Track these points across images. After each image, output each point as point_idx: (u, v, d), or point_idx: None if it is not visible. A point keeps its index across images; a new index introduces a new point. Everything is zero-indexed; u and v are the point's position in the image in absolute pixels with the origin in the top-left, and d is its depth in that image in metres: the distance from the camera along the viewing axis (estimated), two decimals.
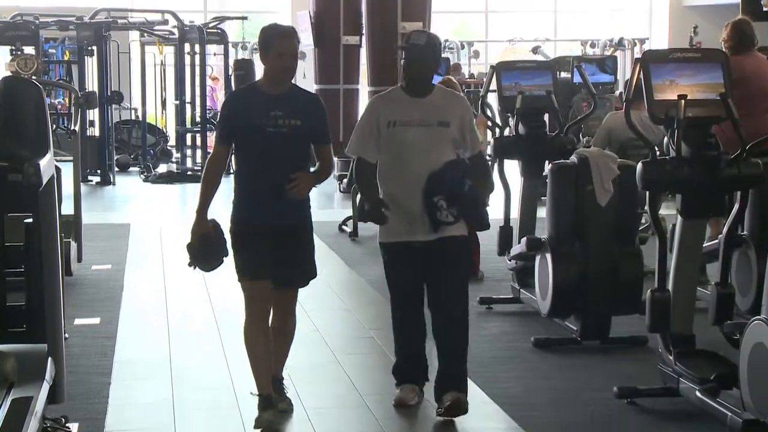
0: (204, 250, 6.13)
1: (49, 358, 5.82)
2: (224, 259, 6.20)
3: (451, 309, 6.29)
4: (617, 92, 17.20)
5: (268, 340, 6.19)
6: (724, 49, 8.58)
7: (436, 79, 12.69)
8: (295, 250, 6.21)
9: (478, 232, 8.20)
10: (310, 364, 7.32)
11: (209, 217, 6.19)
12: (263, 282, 6.11)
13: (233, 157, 6.32)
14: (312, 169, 6.25)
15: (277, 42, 6.04)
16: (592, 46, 24.36)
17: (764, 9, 13.43)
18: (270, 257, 6.08)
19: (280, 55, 6.03)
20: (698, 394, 6.14)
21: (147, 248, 12.56)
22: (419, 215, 6.13)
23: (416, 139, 6.16)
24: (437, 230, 6.11)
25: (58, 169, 6.91)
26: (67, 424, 5.95)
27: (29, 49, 19.12)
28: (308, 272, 6.32)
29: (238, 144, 6.18)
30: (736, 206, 6.67)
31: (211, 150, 20.23)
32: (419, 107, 6.20)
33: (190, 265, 6.20)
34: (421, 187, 6.08)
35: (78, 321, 8.54)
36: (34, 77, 14.31)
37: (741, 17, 9.76)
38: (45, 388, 5.59)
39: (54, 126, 17.15)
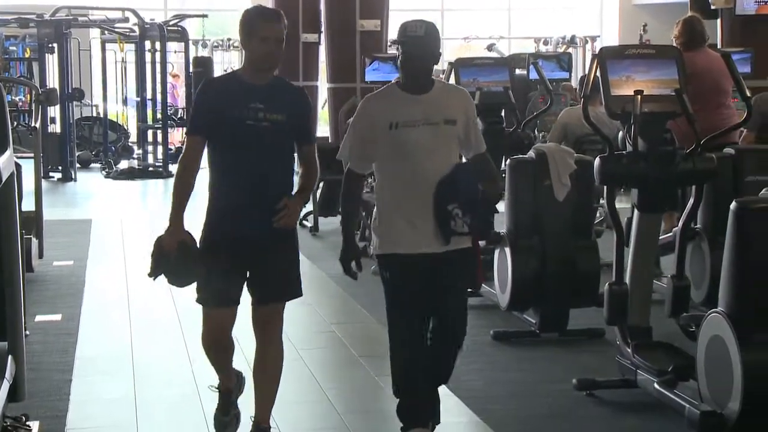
0: (180, 261, 5.31)
1: (9, 356, 5.74)
2: (200, 274, 5.38)
3: (453, 333, 5.55)
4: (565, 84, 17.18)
5: (231, 342, 5.63)
6: (676, 44, 8.62)
7: (387, 76, 12.87)
8: (277, 265, 5.44)
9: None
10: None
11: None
12: (228, 310, 5.46)
13: (206, 156, 5.46)
14: (295, 189, 5.49)
15: (260, 25, 5.31)
16: (545, 43, 24.47)
17: (712, 7, 13.53)
18: (246, 274, 5.43)
19: (264, 40, 5.29)
20: (656, 385, 6.15)
21: (109, 244, 12.45)
22: (428, 224, 5.34)
23: (422, 139, 5.35)
24: (448, 241, 5.35)
25: (18, 166, 6.85)
26: (27, 423, 5.88)
27: None
28: (291, 290, 5.54)
29: (212, 139, 5.37)
30: (691, 200, 6.67)
31: (172, 146, 20.79)
32: (421, 105, 5.39)
33: (151, 275, 5.37)
34: (430, 193, 5.31)
35: (39, 318, 8.44)
36: None
37: (692, 14, 9.80)
38: (5, 386, 5.52)
39: (15, 123, 17.06)
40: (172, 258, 5.29)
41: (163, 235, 5.36)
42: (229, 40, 25.50)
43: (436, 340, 5.51)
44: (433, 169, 5.33)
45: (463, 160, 5.69)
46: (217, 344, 5.57)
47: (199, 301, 5.46)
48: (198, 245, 5.38)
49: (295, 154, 5.61)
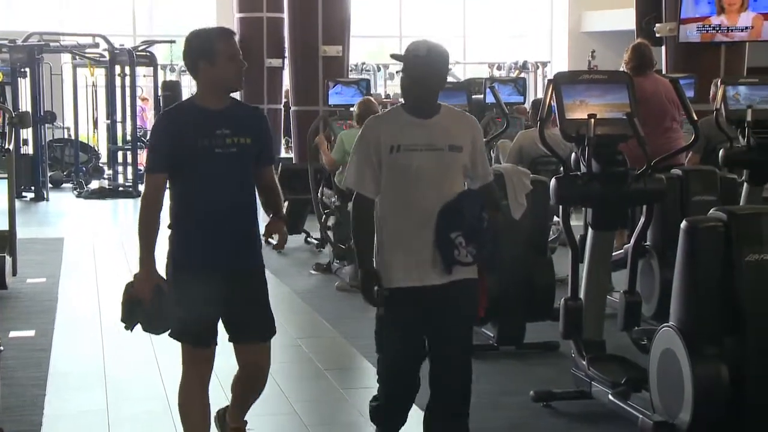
0: (156, 307, 4.88)
1: None
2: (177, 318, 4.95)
3: (460, 370, 5.01)
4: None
5: (207, 405, 5.19)
6: (627, 69, 8.66)
7: (350, 100, 12.86)
8: (252, 299, 5.04)
9: None
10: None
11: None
12: (207, 350, 5.05)
13: (169, 188, 4.99)
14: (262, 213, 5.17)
15: (223, 45, 4.84)
16: (499, 68, 24.59)
17: (657, 35, 13.64)
18: (223, 309, 4.95)
19: (232, 58, 4.84)
20: (610, 397, 6.16)
21: (80, 261, 12.33)
22: (430, 255, 4.85)
23: (424, 165, 4.85)
24: (450, 272, 4.86)
25: None
26: None
27: None
28: (268, 327, 5.14)
29: (177, 173, 4.88)
30: (642, 219, 6.69)
31: (141, 167, 20.71)
32: (426, 129, 4.91)
33: (127, 326, 5.01)
34: (431, 222, 4.83)
35: (13, 333, 8.36)
36: None
37: (641, 41, 9.82)
38: None
39: None
40: (147, 305, 4.87)
41: (134, 281, 4.94)
42: None
43: (437, 372, 4.99)
44: (436, 197, 4.85)
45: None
46: (194, 389, 5.09)
47: (174, 335, 5.01)
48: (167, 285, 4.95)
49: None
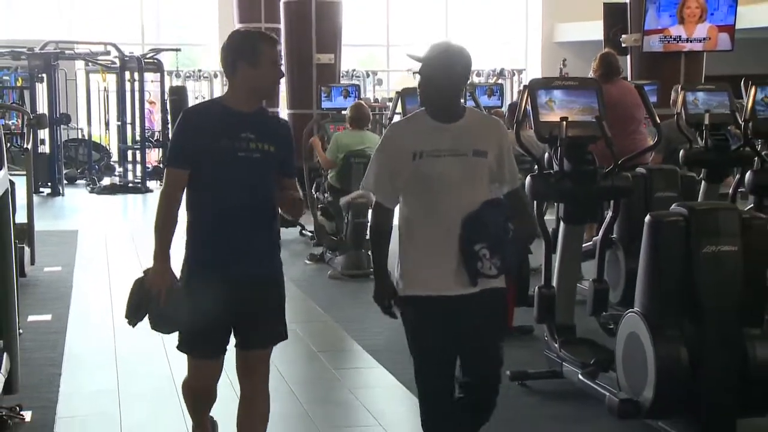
0: (170, 305, 4.38)
1: (4, 353, 5.71)
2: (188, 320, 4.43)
3: (488, 377, 4.58)
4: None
5: (214, 397, 4.77)
6: (595, 76, 8.66)
7: (344, 104, 12.85)
8: (266, 307, 4.50)
9: None
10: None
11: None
12: (214, 362, 4.56)
13: (187, 188, 4.44)
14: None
15: (267, 48, 4.34)
16: (478, 75, 24.53)
17: (623, 45, 13.66)
18: (232, 317, 4.45)
19: (274, 64, 4.38)
20: (580, 376, 6.18)
21: (93, 252, 12.28)
22: (454, 265, 4.33)
23: (448, 172, 4.31)
24: (475, 284, 4.34)
25: (12, 183, 6.77)
26: (21, 412, 5.83)
27: None
28: (278, 334, 4.59)
29: (197, 171, 4.35)
30: (610, 213, 6.71)
31: (149, 165, 20.67)
32: (449, 134, 4.37)
33: (132, 321, 4.50)
34: (455, 231, 4.31)
35: (31, 318, 8.32)
36: None
37: (608, 50, 9.81)
38: (0, 380, 5.47)
39: (9, 144, 16.83)
40: (158, 300, 4.37)
41: (147, 275, 4.45)
42: (199, 71, 25.53)
43: (468, 401, 4.57)
44: (460, 205, 4.31)
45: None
46: (203, 394, 4.72)
47: (182, 349, 4.55)
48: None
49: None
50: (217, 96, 4.61)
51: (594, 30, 16.53)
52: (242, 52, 4.33)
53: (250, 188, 4.37)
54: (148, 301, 4.39)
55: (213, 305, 4.32)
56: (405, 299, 4.45)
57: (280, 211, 4.59)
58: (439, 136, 4.36)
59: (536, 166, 6.47)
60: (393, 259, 4.51)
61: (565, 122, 6.28)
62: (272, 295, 4.52)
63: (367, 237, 10.55)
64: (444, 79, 4.38)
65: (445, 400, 4.48)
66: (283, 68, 15.78)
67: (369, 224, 4.59)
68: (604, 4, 14.94)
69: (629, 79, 12.61)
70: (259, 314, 4.48)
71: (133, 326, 4.51)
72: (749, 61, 18.51)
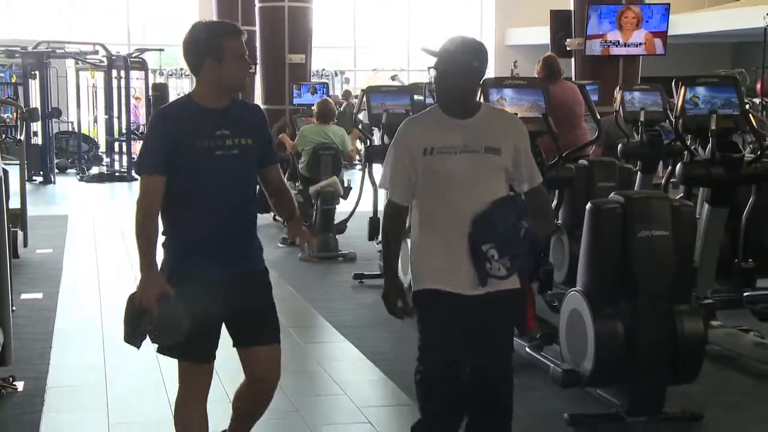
0: (166, 314, 3.76)
1: None
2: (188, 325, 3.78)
3: (497, 383, 4.04)
4: None
5: (206, 418, 4.06)
6: (540, 76, 8.70)
7: (312, 100, 12.87)
8: (255, 301, 3.97)
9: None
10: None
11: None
12: (206, 366, 3.98)
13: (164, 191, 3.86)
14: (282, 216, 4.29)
15: (230, 42, 3.81)
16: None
17: (568, 48, 13.71)
18: (223, 318, 3.93)
19: (241, 57, 3.84)
20: (527, 349, 6.18)
21: (82, 235, 12.20)
22: (464, 264, 3.88)
23: (458, 169, 3.87)
24: (485, 284, 3.89)
25: (6, 171, 6.72)
26: (14, 382, 5.80)
27: None
28: (274, 328, 4.06)
29: (173, 175, 3.81)
30: (555, 201, 6.73)
31: (134, 156, 20.61)
32: (462, 130, 3.92)
33: (134, 342, 3.88)
34: (466, 229, 3.86)
35: (24, 296, 8.25)
36: None
37: (549, 54, 9.85)
38: None
39: (3, 136, 16.71)
40: (155, 314, 3.76)
41: (136, 291, 3.85)
42: (181, 69, 25.52)
43: (476, 410, 4.04)
44: (471, 203, 3.86)
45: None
46: (192, 407, 4.01)
47: (175, 354, 3.94)
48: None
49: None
50: (187, 93, 4.02)
51: (542, 34, 16.56)
52: (206, 48, 3.82)
53: (231, 187, 3.87)
54: (145, 315, 3.77)
55: (199, 310, 3.76)
56: (419, 293, 3.98)
57: (274, 210, 4.25)
58: (451, 132, 3.91)
59: None
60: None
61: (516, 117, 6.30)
62: (261, 289, 4.01)
63: (336, 222, 10.70)
64: (459, 75, 3.95)
65: (447, 408, 3.95)
66: (258, 64, 15.29)
67: (381, 223, 4.07)
68: (551, 11, 14.97)
69: (573, 79, 12.65)
70: (252, 309, 3.96)
71: (138, 347, 3.89)
72: (680, 64, 18.63)
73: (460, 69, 3.95)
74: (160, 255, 3.89)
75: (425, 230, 3.98)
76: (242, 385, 4.13)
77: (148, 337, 3.86)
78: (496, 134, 3.94)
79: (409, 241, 4.12)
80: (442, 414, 3.95)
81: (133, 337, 3.84)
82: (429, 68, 4.26)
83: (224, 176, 3.84)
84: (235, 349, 4.06)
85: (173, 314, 3.74)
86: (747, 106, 8.35)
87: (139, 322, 3.79)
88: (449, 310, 3.91)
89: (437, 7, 29.94)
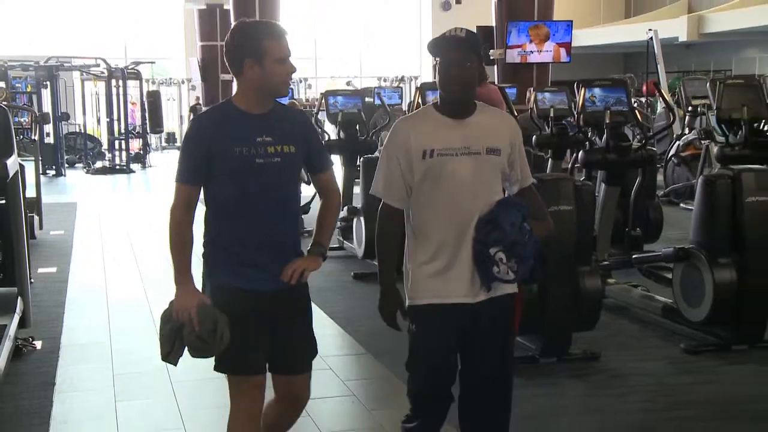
0: (206, 326, 3.00)
1: (19, 297, 5.66)
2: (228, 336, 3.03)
3: (501, 391, 3.30)
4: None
5: None
6: None
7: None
8: (297, 323, 3.20)
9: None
10: None
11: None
12: (259, 377, 3.12)
13: (204, 198, 3.14)
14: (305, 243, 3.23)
15: (272, 44, 3.02)
16: (384, 80, 24.54)
17: (491, 57, 13.75)
18: (266, 336, 3.11)
19: (283, 60, 3.04)
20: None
21: (89, 219, 12.03)
22: (467, 271, 3.13)
23: (461, 171, 3.12)
24: (489, 289, 3.15)
25: (22, 166, 6.67)
26: (34, 342, 5.77)
27: (1, 84, 18.37)
28: (313, 349, 3.29)
29: (212, 182, 3.07)
30: None
31: (132, 152, 20.49)
32: (461, 130, 3.15)
33: (170, 359, 3.10)
34: (468, 234, 3.13)
35: (40, 270, 8.16)
36: (4, 103, 13.73)
37: None
38: (16, 318, 5.45)
39: (21, 137, 16.42)
40: (195, 326, 3.02)
41: (172, 304, 3.09)
42: (170, 78, 25.36)
43: (474, 390, 3.29)
44: (473, 206, 3.13)
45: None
46: (251, 424, 3.17)
47: (223, 368, 3.12)
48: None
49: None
50: (228, 98, 3.22)
51: None
52: (247, 50, 3.02)
53: (272, 197, 3.09)
54: (181, 330, 3.05)
55: (244, 321, 3.04)
56: (414, 309, 3.18)
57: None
58: (450, 133, 3.14)
59: None
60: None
61: None
62: (300, 308, 3.23)
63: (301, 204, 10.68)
64: (472, 68, 3.14)
65: (440, 411, 3.30)
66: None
67: (377, 227, 3.24)
68: (477, 26, 14.98)
69: (496, 82, 12.70)
70: (295, 331, 3.19)
71: (175, 364, 3.16)
72: (582, 70, 18.77)
73: (474, 65, 3.14)
74: (200, 267, 3.14)
75: (423, 237, 3.16)
76: (271, 405, 3.29)
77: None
78: (496, 134, 3.20)
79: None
80: (434, 418, 3.31)
81: (171, 354, 3.09)
82: (434, 66, 3.19)
83: (265, 185, 3.06)
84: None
85: (213, 327, 3.01)
86: (634, 104, 8.46)
87: (176, 339, 3.05)
88: (448, 326, 3.16)
89: (385, 22, 29.90)
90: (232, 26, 3.13)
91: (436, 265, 3.14)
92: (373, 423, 4.56)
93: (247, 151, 3.03)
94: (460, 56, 3.11)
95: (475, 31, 3.11)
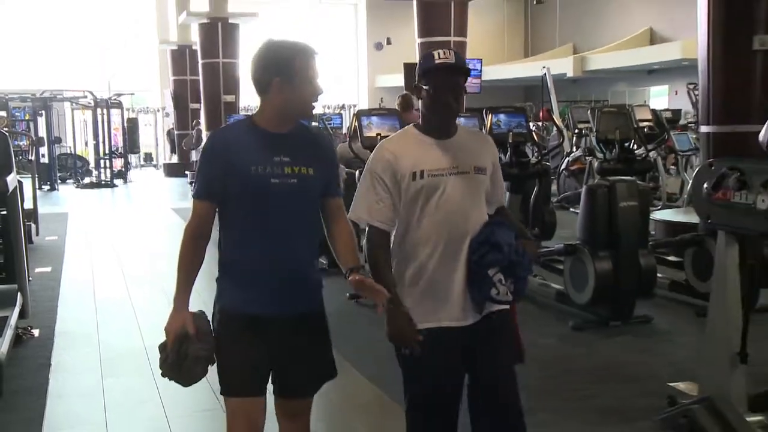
0: (183, 351, 2.42)
1: (19, 293, 5.55)
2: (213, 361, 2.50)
3: (509, 411, 2.63)
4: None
5: None
6: (398, 109, 8.79)
7: None
8: (308, 347, 2.53)
9: None
10: None
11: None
12: (257, 400, 2.49)
13: (218, 219, 2.53)
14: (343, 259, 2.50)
15: (304, 62, 2.43)
16: (328, 107, 24.55)
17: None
18: (271, 359, 2.49)
19: (312, 80, 2.45)
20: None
21: (79, 226, 11.78)
22: (461, 293, 2.57)
23: (453, 191, 2.58)
24: (482, 311, 2.59)
25: (20, 182, 6.54)
26: (32, 330, 5.64)
27: (2, 113, 17.99)
28: (323, 374, 2.59)
29: (227, 201, 2.47)
30: None
31: (115, 169, 20.19)
32: (447, 150, 2.61)
33: (166, 375, 2.49)
34: (460, 255, 2.57)
35: (37, 270, 7.97)
36: (5, 129, 13.44)
37: (405, 92, 9.97)
38: (17, 310, 5.35)
39: (20, 157, 16.05)
40: (174, 349, 2.42)
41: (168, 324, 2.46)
42: (147, 107, 25.09)
43: (484, 415, 2.62)
44: (467, 226, 2.58)
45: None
46: None
47: (224, 390, 2.49)
48: (211, 326, 2.50)
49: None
50: (249, 115, 2.65)
51: (400, 79, 16.65)
52: (277, 68, 2.40)
53: (287, 218, 2.43)
54: (168, 350, 2.44)
55: (248, 344, 2.44)
56: None
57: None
58: (437, 154, 2.59)
59: (365, 166, 6.53)
60: None
61: (379, 136, 6.35)
62: (315, 332, 2.55)
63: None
64: (461, 88, 2.61)
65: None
66: (202, 104, 14.81)
67: (366, 252, 2.60)
68: (404, 63, 15.11)
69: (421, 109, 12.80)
70: (302, 356, 2.51)
71: (186, 385, 2.51)
72: (491, 99, 19.03)
73: (462, 85, 2.62)
74: (213, 289, 2.51)
75: (413, 258, 2.57)
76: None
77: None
78: (480, 153, 2.67)
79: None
80: None
81: (173, 374, 2.46)
82: (414, 85, 2.64)
83: (281, 207, 2.42)
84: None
85: (188, 355, 2.41)
86: (532, 127, 8.60)
87: (167, 358, 2.44)
88: (446, 345, 2.56)
89: (329, 59, 29.86)
90: (262, 44, 2.46)
91: (426, 287, 2.55)
92: None
93: (263, 170, 2.40)
94: (451, 82, 2.58)
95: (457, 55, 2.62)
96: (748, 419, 3.59)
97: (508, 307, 2.66)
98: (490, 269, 2.54)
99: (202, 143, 14.46)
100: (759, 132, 3.74)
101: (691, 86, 13.72)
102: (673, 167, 11.88)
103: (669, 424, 3.71)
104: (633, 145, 9.51)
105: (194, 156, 21.47)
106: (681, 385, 3.99)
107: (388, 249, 2.60)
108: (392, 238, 2.62)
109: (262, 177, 2.40)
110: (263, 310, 2.45)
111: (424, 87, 2.60)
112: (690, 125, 13.11)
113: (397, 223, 2.60)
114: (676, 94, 19.94)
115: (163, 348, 2.46)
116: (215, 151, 2.47)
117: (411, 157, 2.58)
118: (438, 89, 2.57)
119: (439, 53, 2.59)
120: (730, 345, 3.62)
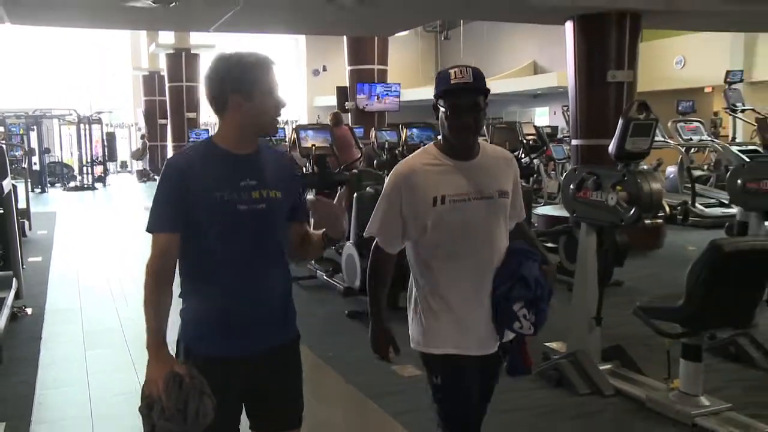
0: (179, 398, 1.69)
1: (14, 278, 5.39)
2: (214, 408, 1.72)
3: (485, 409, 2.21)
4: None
5: None
6: (330, 124, 8.81)
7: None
8: (284, 383, 1.91)
9: None
10: None
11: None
12: None
13: (180, 252, 1.77)
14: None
15: (262, 75, 1.77)
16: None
17: (347, 107, 13.87)
18: (245, 399, 1.88)
19: (271, 92, 1.79)
20: (324, 276, 6.20)
21: (66, 222, 11.39)
22: (484, 323, 2.05)
23: (474, 218, 2.01)
24: (502, 339, 2.10)
25: (14, 186, 6.35)
26: (25, 309, 5.47)
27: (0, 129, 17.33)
28: (299, 408, 1.97)
29: (189, 232, 1.75)
30: (340, 190, 6.75)
31: (96, 175, 19.65)
32: (470, 174, 2.02)
33: (166, 430, 1.69)
34: (486, 283, 2.04)
35: (30, 259, 7.68)
36: (2, 142, 12.91)
37: (336, 111, 10.01)
38: (12, 292, 5.19)
39: (15, 165, 15.41)
40: (164, 399, 1.72)
41: (146, 376, 1.77)
42: (122, 123, 24.50)
43: None
44: (492, 254, 2.06)
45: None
46: None
47: None
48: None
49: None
50: (208, 137, 1.89)
51: (333, 99, 16.62)
52: (234, 83, 1.79)
53: (257, 248, 1.82)
54: (155, 406, 1.74)
55: (219, 391, 1.78)
56: (436, 359, 2.08)
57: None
58: (460, 177, 2.03)
59: (303, 171, 6.52)
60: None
61: (314, 147, 6.39)
62: (290, 366, 1.96)
63: None
64: (482, 109, 2.01)
65: None
66: (169, 119, 14.63)
67: (369, 266, 2.18)
68: (337, 86, 15.09)
69: (350, 124, 12.82)
70: (282, 392, 1.94)
71: (197, 429, 1.76)
72: (410, 115, 19.21)
73: (483, 105, 2.02)
74: (177, 325, 1.88)
75: (437, 285, 2.07)
76: None
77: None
78: (503, 176, 2.10)
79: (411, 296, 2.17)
80: None
81: (178, 426, 1.72)
82: (433, 106, 1.96)
83: (249, 235, 1.80)
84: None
85: (189, 399, 1.73)
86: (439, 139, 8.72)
87: (150, 415, 1.74)
88: (470, 373, 2.08)
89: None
90: (214, 59, 1.84)
91: (451, 315, 2.05)
92: None
93: (229, 195, 1.78)
94: (468, 102, 1.99)
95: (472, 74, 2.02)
96: (600, 368, 3.78)
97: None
98: (514, 305, 2.02)
99: (147, 155, 14.20)
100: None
101: (565, 108, 14.16)
102: (552, 172, 12.24)
103: (543, 375, 3.84)
104: (521, 154, 9.76)
105: (142, 165, 21.03)
106: (554, 345, 4.14)
107: (388, 272, 2.12)
108: (411, 260, 2.12)
109: (228, 203, 1.77)
110: (234, 352, 1.82)
111: (441, 108, 2.01)
112: (564, 138, 13.52)
113: (418, 247, 2.08)
114: (555, 114, 20.58)
115: (149, 405, 1.73)
116: (175, 177, 1.78)
117: (432, 182, 2.01)
118: (454, 110, 1.98)
119: (455, 72, 1.98)
120: (589, 312, 3.81)
